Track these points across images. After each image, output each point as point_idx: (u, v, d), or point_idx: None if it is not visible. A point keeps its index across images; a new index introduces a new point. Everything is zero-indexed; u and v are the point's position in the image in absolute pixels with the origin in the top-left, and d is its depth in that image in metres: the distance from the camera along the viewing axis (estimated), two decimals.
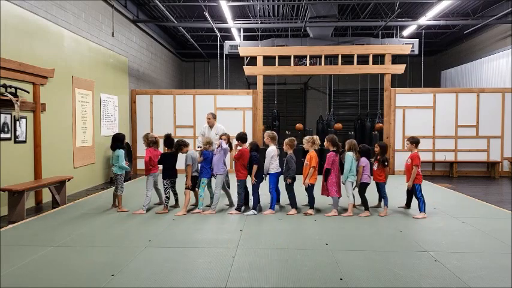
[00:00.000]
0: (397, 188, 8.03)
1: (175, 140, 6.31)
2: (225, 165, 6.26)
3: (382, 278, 3.53)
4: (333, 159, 5.96)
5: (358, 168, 6.04)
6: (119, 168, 6.24)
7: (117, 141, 6.37)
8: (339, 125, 12.37)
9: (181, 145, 6.19)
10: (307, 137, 6.18)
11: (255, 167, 6.00)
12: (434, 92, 10.95)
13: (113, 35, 10.25)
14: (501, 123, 10.72)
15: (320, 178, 6.11)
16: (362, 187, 6.06)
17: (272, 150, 6.17)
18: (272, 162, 6.15)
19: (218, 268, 3.75)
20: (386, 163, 6.05)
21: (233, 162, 6.52)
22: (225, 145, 6.22)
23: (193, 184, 6.25)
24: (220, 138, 6.37)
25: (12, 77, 6.01)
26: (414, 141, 6.08)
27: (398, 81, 15.61)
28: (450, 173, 10.81)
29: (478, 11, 13.01)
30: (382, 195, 6.08)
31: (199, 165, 6.24)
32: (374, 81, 15.50)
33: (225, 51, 14.18)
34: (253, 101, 11.08)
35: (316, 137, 6.14)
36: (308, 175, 5.93)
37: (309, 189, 6.01)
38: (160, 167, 6.28)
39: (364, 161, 6.04)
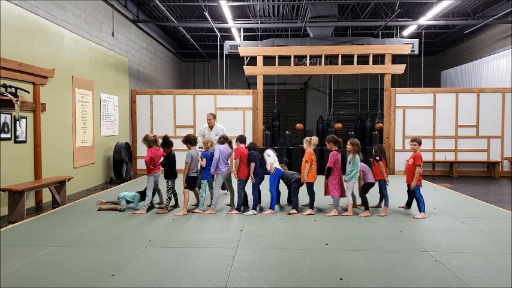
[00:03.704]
0: (397, 188, 8.02)
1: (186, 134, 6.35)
2: (227, 164, 6.25)
3: (382, 278, 3.53)
4: (336, 157, 5.96)
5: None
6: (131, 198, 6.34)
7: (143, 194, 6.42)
8: (339, 125, 12.35)
9: (194, 139, 6.24)
10: (306, 138, 6.28)
11: (252, 165, 6.03)
12: (434, 92, 10.95)
13: (113, 35, 10.26)
14: (501, 123, 10.72)
15: (320, 177, 6.11)
16: (366, 187, 6.09)
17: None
18: (274, 162, 6.24)
19: (218, 268, 3.75)
20: (377, 158, 6.06)
21: (233, 162, 6.53)
22: (222, 148, 6.21)
23: (193, 184, 6.25)
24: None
25: (12, 77, 6.01)
26: (419, 142, 6.11)
27: (398, 81, 15.60)
28: (450, 173, 10.81)
29: (478, 11, 13.00)
30: (383, 194, 6.08)
31: (199, 165, 6.24)
32: (374, 81, 15.50)
33: (225, 51, 14.16)
34: (253, 101, 11.08)
35: (314, 137, 6.22)
36: (305, 171, 5.98)
37: (308, 188, 6.03)
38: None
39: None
